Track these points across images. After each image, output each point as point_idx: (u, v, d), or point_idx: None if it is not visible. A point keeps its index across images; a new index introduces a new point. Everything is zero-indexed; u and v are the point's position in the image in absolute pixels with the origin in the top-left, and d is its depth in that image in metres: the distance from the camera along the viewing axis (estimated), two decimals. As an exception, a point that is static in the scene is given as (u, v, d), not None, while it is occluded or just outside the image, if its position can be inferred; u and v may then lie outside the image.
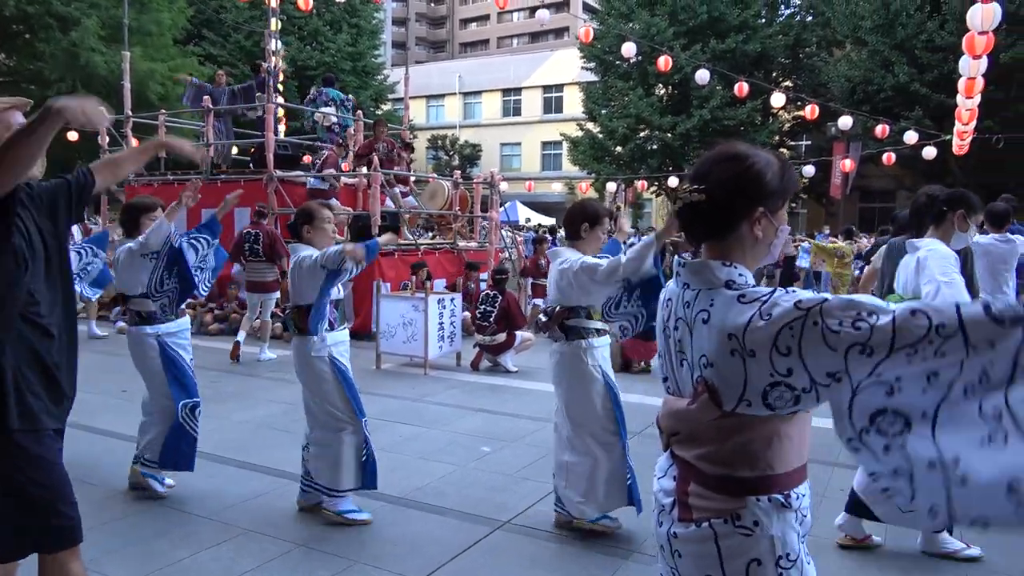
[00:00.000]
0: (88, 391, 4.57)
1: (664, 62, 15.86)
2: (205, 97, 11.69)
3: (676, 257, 1.59)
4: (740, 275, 1.46)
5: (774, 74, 26.27)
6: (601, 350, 3.65)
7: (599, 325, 3.66)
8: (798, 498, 1.48)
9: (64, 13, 19.03)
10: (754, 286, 1.44)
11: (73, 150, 20.77)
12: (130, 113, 12.39)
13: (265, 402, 6.33)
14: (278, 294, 8.70)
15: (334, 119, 11.86)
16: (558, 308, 3.63)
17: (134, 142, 12.61)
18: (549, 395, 6.84)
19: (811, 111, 17.04)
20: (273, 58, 11.40)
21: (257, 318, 8.80)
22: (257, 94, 11.64)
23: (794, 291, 1.35)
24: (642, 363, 8.04)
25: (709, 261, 1.49)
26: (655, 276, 3.39)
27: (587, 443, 3.58)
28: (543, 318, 3.74)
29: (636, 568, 3.33)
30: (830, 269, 12.10)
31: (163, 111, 13.52)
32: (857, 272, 16.94)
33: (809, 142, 27.74)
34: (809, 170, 21.19)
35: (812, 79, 25.04)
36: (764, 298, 1.36)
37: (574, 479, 3.59)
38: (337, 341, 3.77)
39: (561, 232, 22.48)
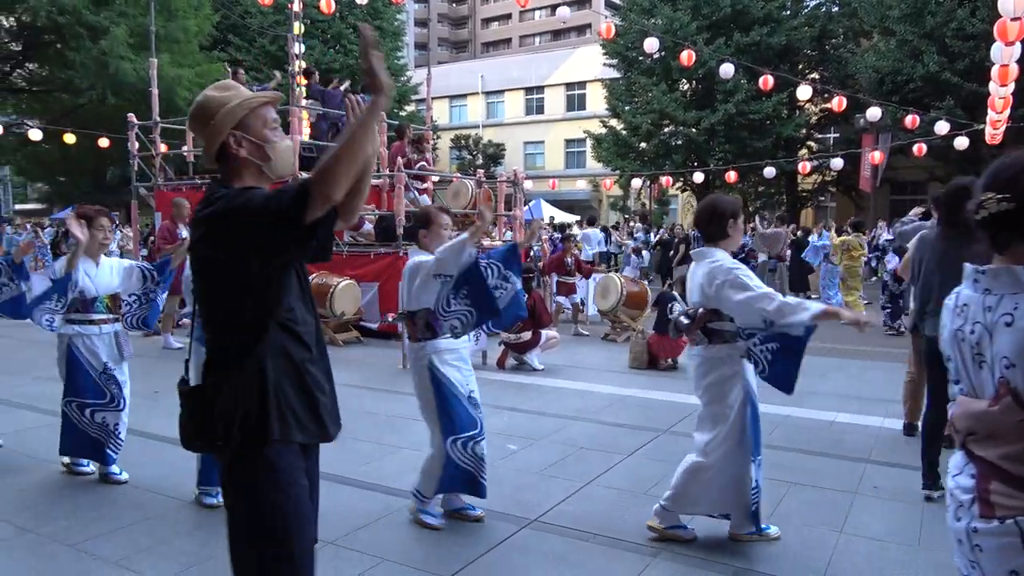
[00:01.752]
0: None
1: (687, 57, 15.75)
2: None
3: (969, 265, 1.63)
4: None
5: (800, 66, 25.94)
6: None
7: None
8: None
9: (94, 22, 19.46)
10: None
11: (105, 157, 21.24)
12: (158, 119, 12.56)
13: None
14: None
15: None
16: (700, 310, 3.43)
17: (163, 147, 12.79)
18: (574, 393, 6.85)
19: (839, 103, 16.76)
20: (297, 61, 11.48)
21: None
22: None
23: None
24: (668, 360, 7.98)
25: (1012, 267, 1.53)
26: None
27: (715, 450, 3.41)
28: (684, 320, 3.49)
29: (664, 565, 3.29)
30: (839, 262, 12.16)
31: (191, 116, 13.68)
32: (874, 264, 16.71)
33: (837, 135, 27.33)
34: (838, 163, 20.84)
35: (839, 71, 24.66)
36: None
37: (694, 482, 3.46)
38: (439, 349, 3.70)
39: (575, 228, 22.10)
